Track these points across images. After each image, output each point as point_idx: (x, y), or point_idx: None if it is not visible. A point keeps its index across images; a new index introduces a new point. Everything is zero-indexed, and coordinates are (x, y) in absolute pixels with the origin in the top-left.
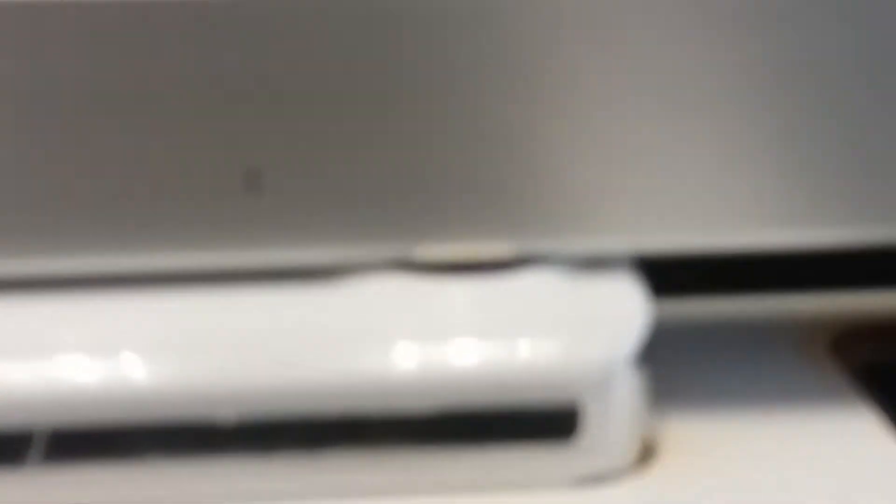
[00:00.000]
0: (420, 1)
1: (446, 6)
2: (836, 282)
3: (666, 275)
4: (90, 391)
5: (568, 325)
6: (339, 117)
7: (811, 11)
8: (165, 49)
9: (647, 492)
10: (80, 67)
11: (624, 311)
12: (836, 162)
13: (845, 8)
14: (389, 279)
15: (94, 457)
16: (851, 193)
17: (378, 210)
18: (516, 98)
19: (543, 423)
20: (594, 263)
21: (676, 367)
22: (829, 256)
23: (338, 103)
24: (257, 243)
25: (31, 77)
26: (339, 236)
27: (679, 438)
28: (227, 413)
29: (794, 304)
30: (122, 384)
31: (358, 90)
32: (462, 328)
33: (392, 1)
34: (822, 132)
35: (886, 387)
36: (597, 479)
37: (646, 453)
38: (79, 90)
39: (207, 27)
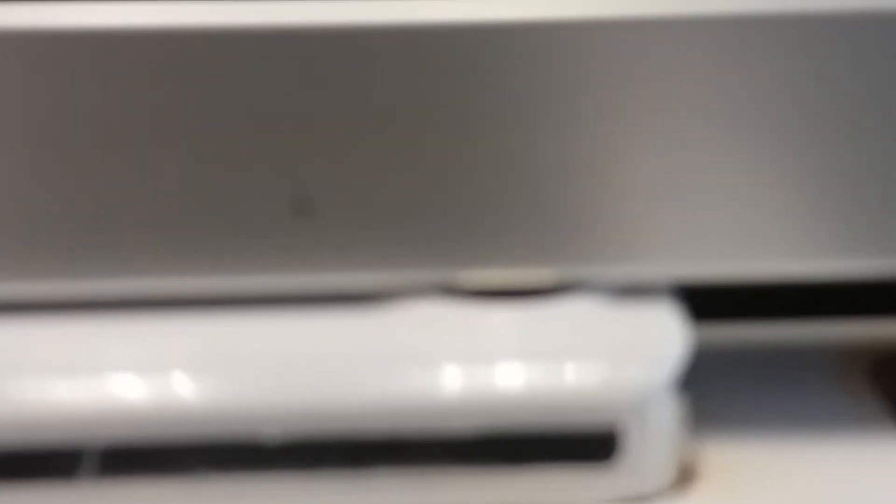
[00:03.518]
0: (463, 33)
1: (488, 40)
2: (876, 309)
3: (706, 301)
4: (140, 409)
5: (608, 350)
6: (385, 144)
7: (846, 54)
8: (216, 77)
9: None
10: (137, 95)
11: (663, 336)
12: (878, 192)
13: (876, 50)
14: (434, 304)
15: (143, 473)
16: (892, 223)
17: (423, 236)
18: (559, 129)
19: (583, 445)
20: (634, 290)
21: (716, 393)
22: (869, 284)
23: (384, 130)
24: (304, 268)
25: (97, 105)
26: (385, 262)
27: (718, 463)
28: (273, 432)
29: (833, 330)
30: (171, 403)
31: (404, 118)
32: (504, 352)
33: (435, 33)
34: (861, 165)
35: None
36: (635, 501)
37: (685, 477)
38: (134, 117)
39: (257, 56)
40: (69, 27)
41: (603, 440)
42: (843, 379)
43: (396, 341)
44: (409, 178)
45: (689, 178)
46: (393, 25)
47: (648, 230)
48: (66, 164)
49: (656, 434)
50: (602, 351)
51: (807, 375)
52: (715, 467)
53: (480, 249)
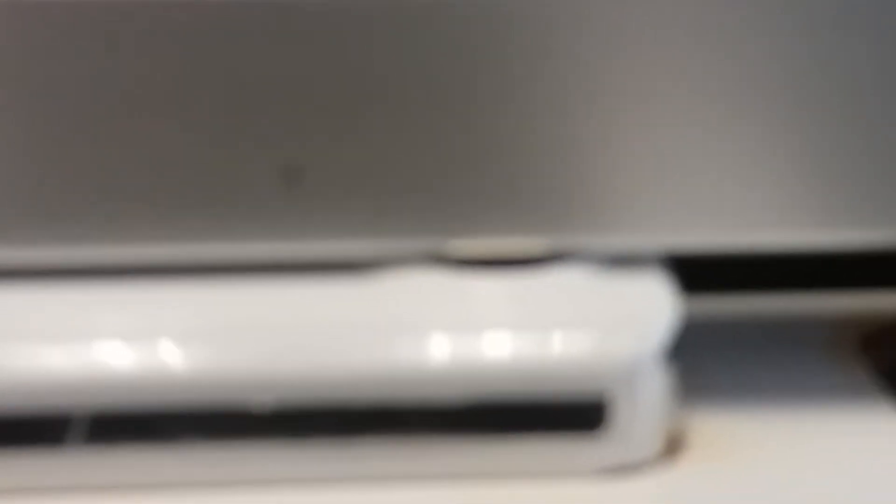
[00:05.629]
0: (457, 2)
1: (482, 10)
2: (867, 281)
3: (696, 272)
4: (128, 376)
5: (598, 319)
6: (377, 113)
7: (839, 23)
8: (207, 45)
9: (673, 483)
10: (126, 64)
11: (653, 306)
12: (870, 163)
13: (870, 18)
14: (423, 273)
15: (131, 440)
16: (884, 194)
17: (413, 205)
18: (548, 97)
19: (572, 414)
20: (625, 260)
21: (706, 364)
22: (860, 255)
23: (375, 99)
24: (293, 236)
25: (85, 75)
26: (374, 231)
27: (706, 434)
28: (262, 400)
29: (824, 302)
30: (160, 370)
31: (396, 87)
32: (494, 321)
33: (429, 2)
34: (853, 136)
35: None
36: (623, 470)
37: (673, 447)
38: (124, 85)
39: (249, 24)
40: None
41: (591, 410)
42: (833, 351)
43: (386, 310)
44: (400, 146)
45: (681, 149)
46: None
47: (640, 200)
48: (53, 132)
49: (645, 404)
50: (592, 321)
51: (796, 347)
52: (703, 438)
53: (471, 219)
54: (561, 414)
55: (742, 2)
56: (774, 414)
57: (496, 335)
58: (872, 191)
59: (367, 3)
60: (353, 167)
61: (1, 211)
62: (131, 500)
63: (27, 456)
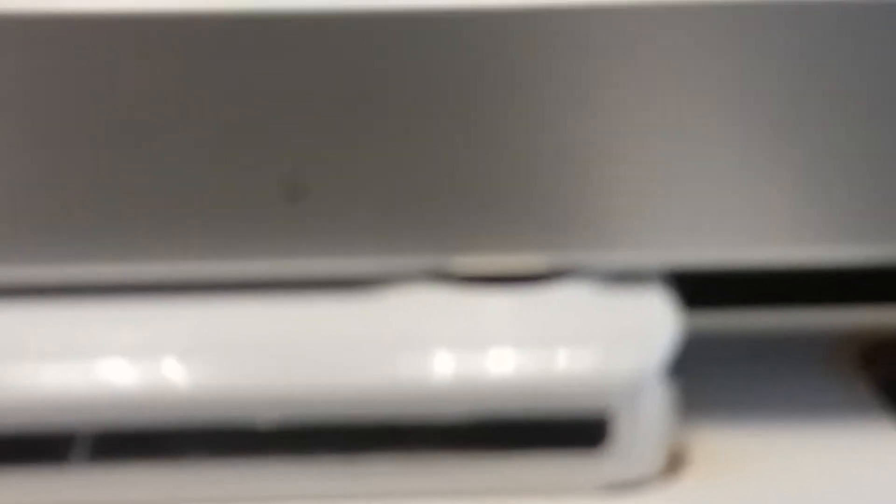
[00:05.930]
0: (459, 19)
1: (484, 26)
2: (867, 296)
3: (697, 288)
4: (131, 394)
5: (600, 336)
6: (379, 130)
7: (840, 40)
8: (206, 62)
9: (675, 500)
10: (129, 80)
11: (655, 323)
12: (870, 179)
13: (870, 36)
14: (426, 290)
15: (136, 458)
16: (884, 210)
17: (416, 222)
18: (553, 115)
19: (574, 431)
20: (626, 276)
21: (707, 380)
22: (860, 271)
23: (377, 116)
24: (296, 253)
25: (88, 90)
26: (377, 248)
27: (708, 449)
28: (266, 417)
29: (824, 317)
30: (163, 388)
31: (398, 103)
32: (496, 338)
33: (430, 19)
34: (853, 152)
35: None
36: (625, 487)
37: (675, 463)
38: (126, 102)
39: (251, 41)
40: (60, 12)
41: (594, 426)
42: (834, 365)
43: (389, 327)
44: (402, 163)
45: (682, 165)
46: (388, 11)
47: (641, 217)
48: (55, 150)
49: (647, 420)
50: (594, 337)
51: (797, 362)
52: (705, 454)
53: (473, 235)
54: (563, 430)
55: (745, 18)
56: (775, 429)
57: (499, 352)
58: (872, 207)
59: (371, 20)
60: (356, 184)
61: (4, 229)
62: None
63: (31, 474)
